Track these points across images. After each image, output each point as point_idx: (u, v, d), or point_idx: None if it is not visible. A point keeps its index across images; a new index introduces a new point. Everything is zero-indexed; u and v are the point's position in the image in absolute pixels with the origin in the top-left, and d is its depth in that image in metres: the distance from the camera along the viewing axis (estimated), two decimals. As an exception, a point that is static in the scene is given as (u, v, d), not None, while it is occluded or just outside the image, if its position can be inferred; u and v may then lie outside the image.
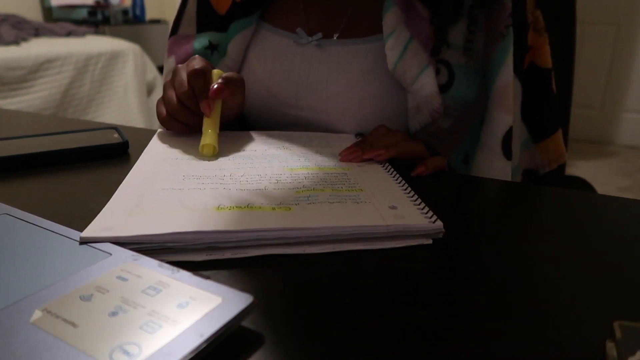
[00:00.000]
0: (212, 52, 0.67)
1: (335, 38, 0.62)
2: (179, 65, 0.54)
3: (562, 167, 0.69)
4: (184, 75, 0.52)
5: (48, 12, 3.08)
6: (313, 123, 0.63)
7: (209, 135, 0.49)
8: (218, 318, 0.22)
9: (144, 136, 0.57)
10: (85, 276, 0.26)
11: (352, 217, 0.34)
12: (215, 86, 0.50)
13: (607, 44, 2.77)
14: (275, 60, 0.64)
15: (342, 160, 0.48)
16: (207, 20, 0.67)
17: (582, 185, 0.80)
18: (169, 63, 0.70)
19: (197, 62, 0.52)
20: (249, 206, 0.35)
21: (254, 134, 0.58)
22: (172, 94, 0.53)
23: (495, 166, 0.57)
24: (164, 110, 0.54)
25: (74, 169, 0.47)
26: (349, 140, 0.56)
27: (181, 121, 0.53)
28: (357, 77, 0.61)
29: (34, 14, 2.98)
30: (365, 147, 0.49)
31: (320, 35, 0.62)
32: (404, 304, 0.27)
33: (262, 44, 0.65)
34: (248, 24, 0.65)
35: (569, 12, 0.77)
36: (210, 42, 0.66)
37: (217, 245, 0.31)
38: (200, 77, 0.51)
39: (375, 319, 0.25)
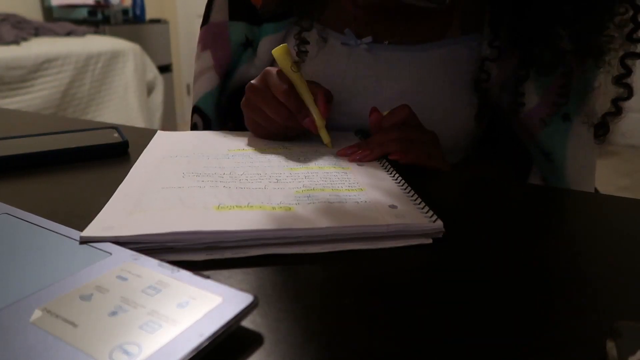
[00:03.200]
0: (246, 49, 0.64)
1: (387, 43, 0.58)
2: (256, 85, 0.51)
3: None
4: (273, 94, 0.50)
5: (48, 12, 3.08)
6: (350, 128, 0.60)
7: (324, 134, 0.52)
8: (218, 318, 0.22)
9: (144, 136, 0.57)
10: (85, 276, 0.26)
11: (352, 217, 0.34)
12: (321, 107, 0.49)
13: (607, 43, 2.76)
14: (319, 60, 0.60)
15: (339, 154, 0.49)
16: (241, 6, 0.63)
17: None
18: (204, 58, 0.66)
19: (278, 81, 0.49)
20: (249, 205, 0.35)
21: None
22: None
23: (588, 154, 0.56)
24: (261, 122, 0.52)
25: (74, 168, 0.47)
26: (349, 138, 0.56)
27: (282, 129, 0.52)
28: (408, 86, 0.57)
29: (34, 13, 2.98)
30: (362, 145, 0.48)
31: (370, 38, 0.58)
32: (404, 303, 0.27)
33: (312, 41, 0.60)
34: (278, 29, 0.62)
35: None
36: (247, 38, 0.63)
37: (217, 245, 0.31)
38: (291, 97, 0.49)
39: (375, 319, 0.25)
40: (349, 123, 0.60)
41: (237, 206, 0.35)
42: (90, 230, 0.31)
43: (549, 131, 0.55)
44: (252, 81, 0.52)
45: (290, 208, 0.35)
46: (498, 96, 0.59)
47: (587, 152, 0.56)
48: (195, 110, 0.69)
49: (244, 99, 0.54)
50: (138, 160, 0.46)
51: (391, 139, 0.49)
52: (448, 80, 0.58)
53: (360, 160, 0.48)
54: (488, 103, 0.59)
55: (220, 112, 0.69)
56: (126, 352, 0.20)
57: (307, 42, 0.60)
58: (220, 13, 0.64)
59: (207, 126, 0.69)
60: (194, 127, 0.70)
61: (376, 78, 0.59)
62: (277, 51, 0.50)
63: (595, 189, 0.76)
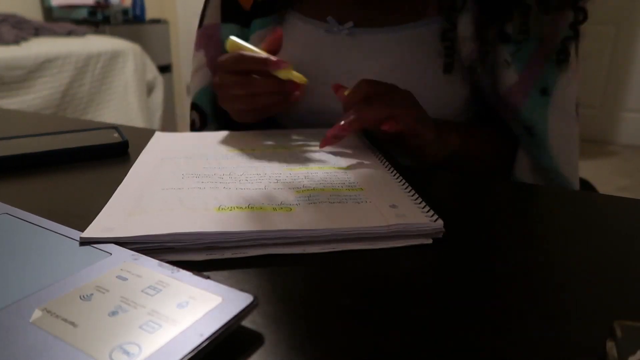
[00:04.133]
0: None
1: (367, 27, 0.60)
2: (216, 79, 0.55)
3: None
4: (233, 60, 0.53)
5: (48, 12, 3.08)
6: (337, 114, 0.60)
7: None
8: (218, 318, 0.22)
9: (144, 136, 0.57)
10: (85, 276, 0.26)
11: (353, 218, 0.34)
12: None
13: (607, 43, 2.77)
14: (305, 49, 0.62)
15: (321, 146, 0.50)
16: (232, 9, 0.67)
17: (582, 184, 0.81)
18: (198, 57, 0.70)
19: (228, 55, 0.53)
20: (249, 206, 0.35)
21: (253, 133, 0.58)
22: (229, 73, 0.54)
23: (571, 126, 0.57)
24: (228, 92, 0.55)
25: (74, 168, 0.47)
26: (349, 137, 0.56)
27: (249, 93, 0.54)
28: (389, 65, 0.59)
29: (34, 13, 2.98)
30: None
31: (351, 23, 0.60)
32: (404, 303, 0.27)
33: (291, 34, 0.63)
34: (266, 24, 0.65)
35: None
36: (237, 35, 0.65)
37: (217, 245, 0.31)
38: (247, 58, 0.52)
39: (375, 319, 0.25)
40: (335, 105, 0.61)
41: (237, 207, 0.35)
42: (90, 232, 0.31)
43: (529, 105, 0.56)
44: (214, 79, 0.57)
45: (290, 209, 0.35)
46: (479, 75, 0.60)
47: (568, 124, 0.58)
48: (193, 106, 0.72)
49: (218, 97, 0.57)
50: (136, 162, 0.46)
51: (371, 109, 0.49)
52: (429, 57, 0.59)
53: (338, 133, 0.48)
54: (471, 79, 0.60)
55: (215, 107, 0.71)
56: (126, 352, 0.20)
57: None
58: (213, 16, 0.69)
59: (204, 122, 0.71)
60: (192, 124, 0.72)
61: (358, 59, 0.60)
62: (228, 44, 0.56)
63: (594, 187, 0.76)
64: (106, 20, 3.06)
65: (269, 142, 0.54)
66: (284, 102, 0.56)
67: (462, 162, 0.58)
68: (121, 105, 2.43)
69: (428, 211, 0.35)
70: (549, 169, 0.58)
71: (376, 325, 0.25)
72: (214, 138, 0.55)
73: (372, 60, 0.60)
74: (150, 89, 2.66)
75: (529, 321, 0.25)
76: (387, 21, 0.60)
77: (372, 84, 0.51)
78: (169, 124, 3.14)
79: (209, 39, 0.69)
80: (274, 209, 0.35)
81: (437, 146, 0.53)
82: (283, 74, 0.52)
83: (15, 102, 2.00)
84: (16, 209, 0.34)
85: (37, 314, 0.23)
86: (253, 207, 0.35)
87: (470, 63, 0.57)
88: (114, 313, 0.23)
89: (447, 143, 0.55)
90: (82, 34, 2.59)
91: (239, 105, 0.56)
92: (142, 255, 0.28)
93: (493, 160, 0.61)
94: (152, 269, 0.26)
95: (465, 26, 0.56)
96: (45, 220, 0.33)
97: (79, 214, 0.37)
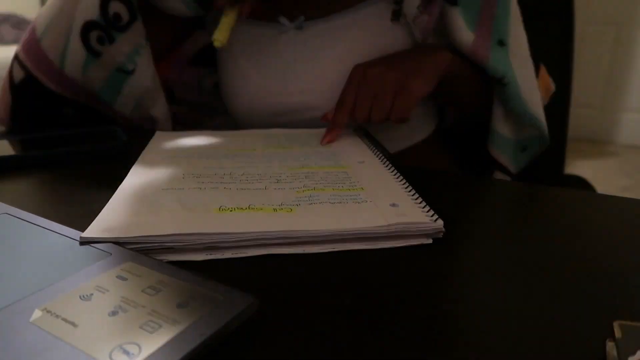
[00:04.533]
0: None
1: (318, 18, 0.62)
2: None
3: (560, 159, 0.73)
4: None
5: (48, 12, 3.08)
6: (304, 107, 0.63)
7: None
8: (218, 318, 0.22)
9: (144, 136, 0.57)
10: (85, 276, 0.26)
11: (353, 218, 0.34)
12: None
13: (607, 43, 2.77)
14: (261, 53, 0.64)
15: (322, 143, 0.53)
16: None
17: (581, 184, 0.81)
18: None
19: None
20: (250, 207, 0.35)
21: (253, 132, 0.58)
22: None
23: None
24: None
25: (74, 169, 0.47)
26: (349, 136, 0.56)
27: None
28: (342, 51, 0.61)
29: (34, 14, 2.98)
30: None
31: (302, 18, 0.61)
32: (404, 303, 0.27)
33: (245, 41, 0.65)
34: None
35: (566, 8, 0.77)
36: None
37: (217, 245, 0.31)
38: None
39: (375, 319, 0.25)
40: (298, 101, 0.63)
41: (238, 208, 0.35)
42: (90, 232, 0.31)
43: (494, 58, 0.59)
44: None
45: (291, 209, 0.35)
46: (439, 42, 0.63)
47: (527, 68, 0.62)
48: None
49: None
50: (137, 161, 0.46)
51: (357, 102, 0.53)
52: (383, 36, 0.61)
53: (334, 130, 0.53)
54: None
55: None
56: (126, 352, 0.20)
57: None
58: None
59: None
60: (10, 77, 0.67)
61: (312, 50, 0.62)
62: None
63: (593, 187, 0.77)
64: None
65: (269, 142, 0.54)
66: None
67: (456, 85, 0.61)
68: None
69: (428, 211, 0.35)
70: (522, 113, 0.61)
71: (376, 325, 0.25)
72: (214, 138, 0.55)
73: (325, 49, 0.61)
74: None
75: (529, 321, 0.25)
76: (334, 9, 0.61)
77: (359, 77, 0.54)
78: (169, 124, 3.13)
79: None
80: (275, 210, 0.35)
81: (429, 67, 0.55)
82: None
83: (15, 102, 2.00)
84: (16, 209, 0.34)
85: (37, 314, 0.23)
86: (254, 208, 0.35)
87: (425, 35, 0.60)
88: (114, 313, 0.23)
89: (442, 56, 0.56)
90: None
91: None
92: (142, 255, 0.28)
93: (480, 89, 0.64)
94: (152, 269, 0.26)
95: (410, 2, 0.59)
96: (45, 220, 0.33)
97: (79, 215, 0.37)
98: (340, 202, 0.36)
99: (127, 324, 0.22)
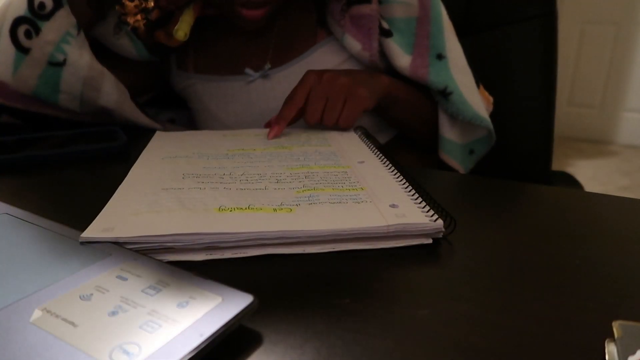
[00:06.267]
0: None
1: (280, 65, 0.67)
2: None
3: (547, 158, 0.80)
4: None
5: (48, 12, 3.08)
6: None
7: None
8: (218, 318, 0.22)
9: (144, 136, 0.57)
10: (85, 276, 0.26)
11: (353, 218, 0.34)
12: None
13: (607, 43, 2.77)
14: (233, 102, 0.68)
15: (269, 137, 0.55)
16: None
17: (568, 180, 0.82)
18: None
19: None
20: (250, 207, 0.35)
21: (253, 132, 0.58)
22: None
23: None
24: None
25: (74, 168, 0.47)
26: (349, 137, 0.56)
27: None
28: None
29: None
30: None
31: (268, 66, 0.66)
32: (404, 303, 0.27)
33: (216, 94, 0.69)
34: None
35: (550, 8, 0.78)
36: None
37: (217, 245, 0.31)
38: None
39: (375, 319, 0.25)
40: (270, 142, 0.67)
41: (238, 208, 0.35)
42: (90, 232, 0.31)
43: (434, 72, 0.64)
44: None
45: (291, 210, 0.35)
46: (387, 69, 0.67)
47: (466, 75, 0.66)
48: None
49: None
50: (137, 161, 0.46)
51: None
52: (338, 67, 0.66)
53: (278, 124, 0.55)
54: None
55: None
56: (126, 352, 0.20)
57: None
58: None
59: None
60: None
61: (281, 95, 0.65)
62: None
63: (581, 185, 0.79)
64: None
65: (269, 142, 0.54)
66: None
67: (397, 109, 0.65)
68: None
69: (428, 211, 0.35)
70: (472, 117, 0.65)
71: (376, 325, 0.25)
72: (214, 138, 0.55)
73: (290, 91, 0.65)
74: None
75: (529, 321, 0.25)
76: (293, 55, 0.67)
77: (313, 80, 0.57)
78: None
79: None
80: (275, 210, 0.35)
81: (371, 84, 0.59)
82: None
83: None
84: (16, 209, 0.34)
85: (37, 314, 0.23)
86: (254, 208, 0.35)
87: (374, 65, 0.66)
88: (113, 313, 0.23)
89: (379, 80, 0.61)
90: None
91: None
92: (142, 255, 0.28)
93: (423, 109, 0.68)
94: (152, 269, 0.26)
95: (351, 43, 0.64)
96: (45, 220, 0.33)
97: (79, 214, 0.37)
98: (340, 202, 0.36)
99: (127, 324, 0.22)
